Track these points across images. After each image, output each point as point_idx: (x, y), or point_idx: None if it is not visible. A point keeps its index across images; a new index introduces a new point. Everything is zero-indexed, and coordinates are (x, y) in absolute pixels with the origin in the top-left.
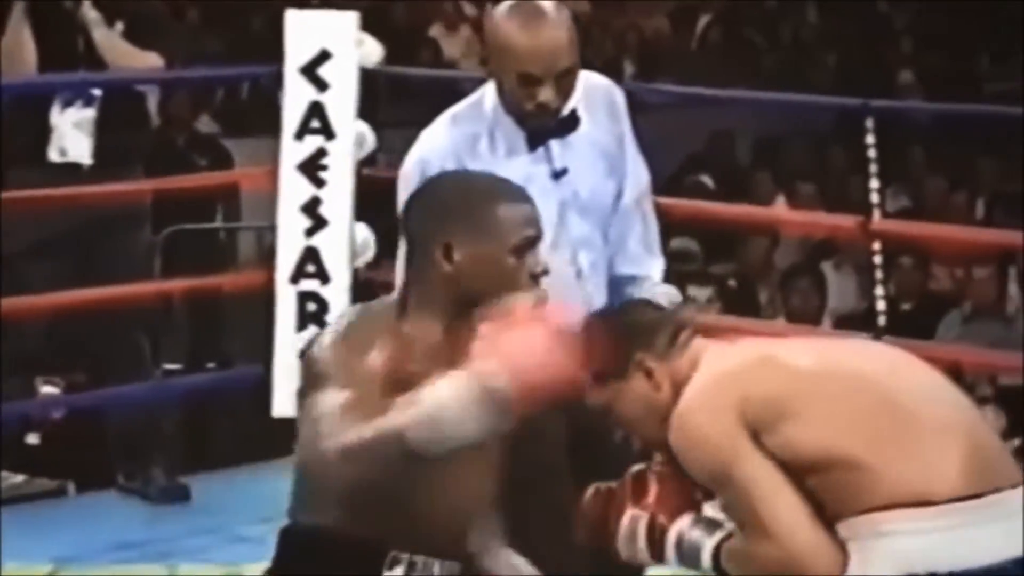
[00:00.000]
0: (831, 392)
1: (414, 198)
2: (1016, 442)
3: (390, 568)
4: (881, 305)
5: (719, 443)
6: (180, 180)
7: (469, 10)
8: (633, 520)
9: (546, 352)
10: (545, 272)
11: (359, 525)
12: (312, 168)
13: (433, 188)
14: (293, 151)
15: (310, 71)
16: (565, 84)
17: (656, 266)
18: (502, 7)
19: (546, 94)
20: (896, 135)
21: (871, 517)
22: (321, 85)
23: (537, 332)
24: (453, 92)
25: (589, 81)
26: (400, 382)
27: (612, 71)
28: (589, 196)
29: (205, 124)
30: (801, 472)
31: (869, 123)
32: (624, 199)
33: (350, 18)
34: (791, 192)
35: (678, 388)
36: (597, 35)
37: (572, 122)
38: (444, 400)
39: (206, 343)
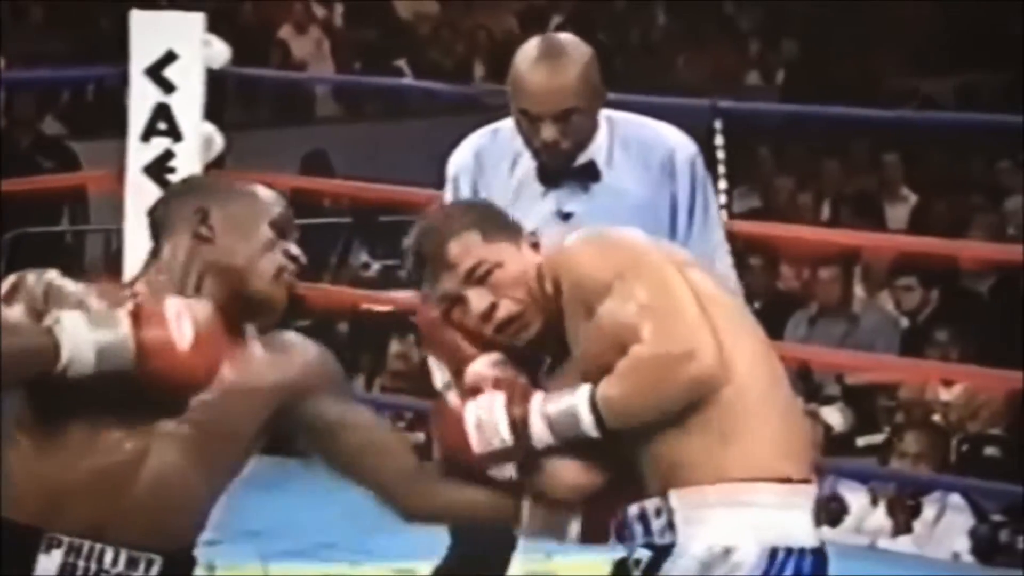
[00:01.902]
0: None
1: (168, 190)
2: (861, 441)
3: (46, 551)
4: None
5: (623, 246)
6: (25, 182)
7: (319, 11)
8: (486, 409)
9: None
10: (299, 261)
11: (20, 510)
12: (159, 170)
13: (188, 179)
14: (140, 153)
15: (156, 72)
16: (571, 125)
17: None
18: (527, 43)
19: (548, 132)
20: (744, 136)
21: (735, 486)
22: (167, 87)
23: None
24: (302, 94)
25: (653, 135)
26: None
27: (462, 73)
28: None
29: (50, 126)
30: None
31: (717, 124)
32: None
33: (196, 19)
34: None
35: None
36: (447, 36)
37: (590, 171)
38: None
39: None
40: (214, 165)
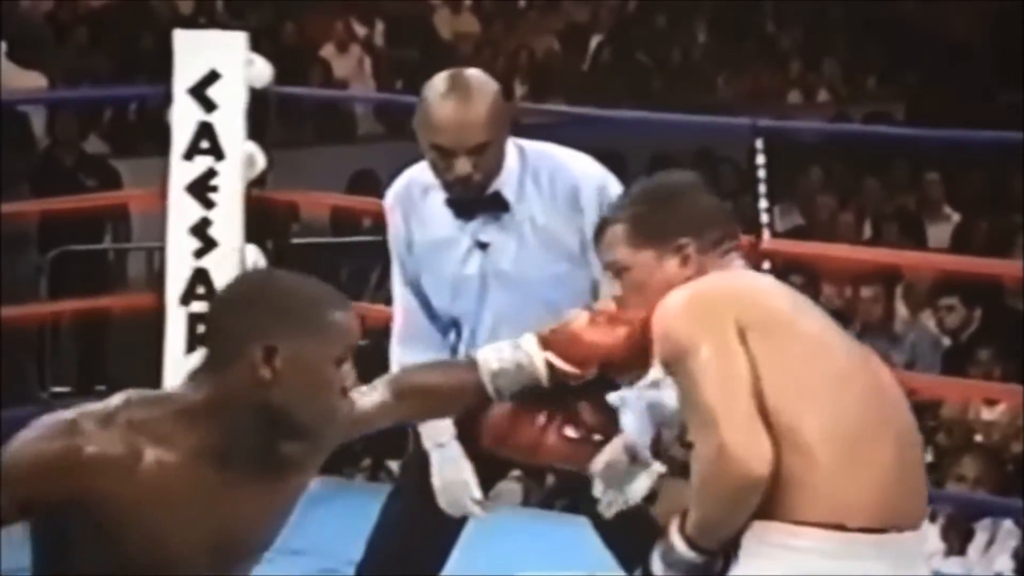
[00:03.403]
0: (809, 348)
1: (227, 293)
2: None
3: None
4: None
5: (699, 316)
6: (68, 201)
7: (360, 30)
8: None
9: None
10: (353, 386)
11: None
12: (201, 189)
13: (252, 284)
14: (182, 172)
15: (199, 91)
16: (482, 158)
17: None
18: (434, 78)
19: (462, 167)
20: (786, 155)
21: (785, 527)
22: (210, 106)
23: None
24: (344, 113)
25: (560, 168)
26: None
27: (503, 91)
28: (515, 271)
29: (93, 144)
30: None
31: (759, 143)
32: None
33: (239, 38)
34: None
35: None
36: (488, 55)
37: (498, 202)
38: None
39: (94, 366)
40: (256, 184)
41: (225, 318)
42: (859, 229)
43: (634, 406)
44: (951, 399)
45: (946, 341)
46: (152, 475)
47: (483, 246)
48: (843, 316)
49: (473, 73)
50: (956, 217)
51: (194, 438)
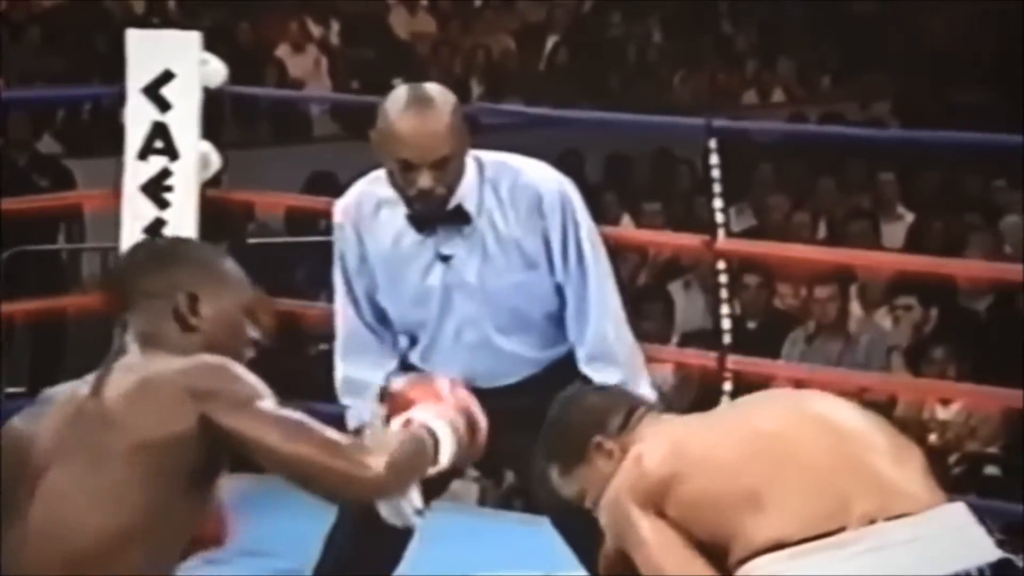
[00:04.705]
0: (716, 472)
1: (137, 254)
2: None
3: None
4: (727, 323)
5: (622, 520)
6: (21, 201)
7: (316, 30)
8: None
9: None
10: (258, 342)
11: None
12: (156, 189)
13: (159, 246)
14: (136, 172)
15: (153, 91)
16: (446, 172)
17: (617, 351)
18: (392, 93)
19: (425, 180)
20: (741, 155)
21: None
22: (164, 105)
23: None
24: (300, 113)
25: (520, 177)
26: None
27: (460, 92)
28: (478, 282)
29: (47, 144)
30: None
31: (713, 143)
32: (568, 291)
33: (193, 38)
34: (637, 212)
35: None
36: (444, 55)
37: (459, 216)
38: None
39: (49, 366)
40: (211, 184)
41: (144, 281)
42: (814, 229)
43: None
44: (906, 399)
45: (901, 341)
46: None
47: (445, 259)
48: (797, 317)
49: (433, 86)
50: (910, 217)
51: None
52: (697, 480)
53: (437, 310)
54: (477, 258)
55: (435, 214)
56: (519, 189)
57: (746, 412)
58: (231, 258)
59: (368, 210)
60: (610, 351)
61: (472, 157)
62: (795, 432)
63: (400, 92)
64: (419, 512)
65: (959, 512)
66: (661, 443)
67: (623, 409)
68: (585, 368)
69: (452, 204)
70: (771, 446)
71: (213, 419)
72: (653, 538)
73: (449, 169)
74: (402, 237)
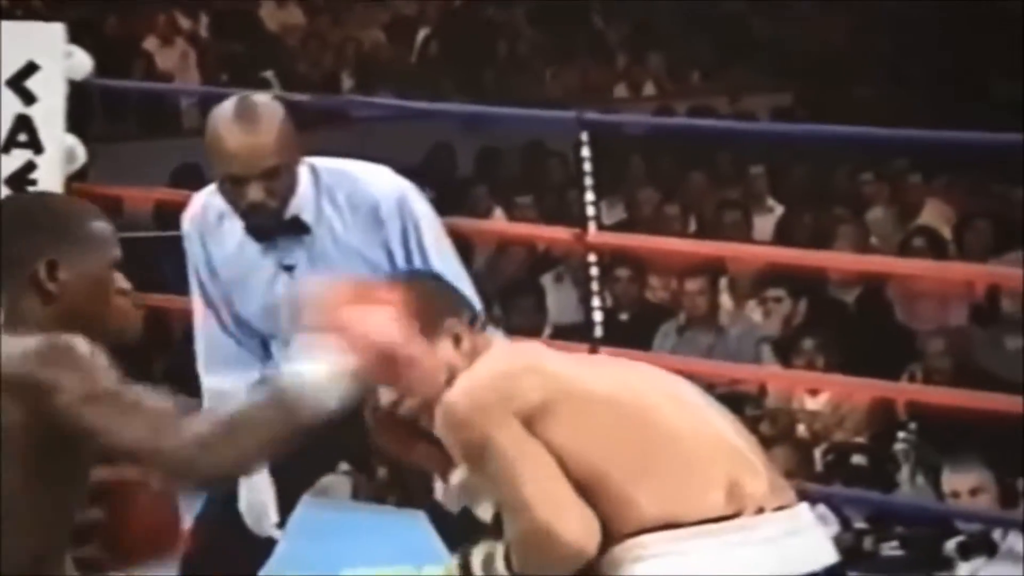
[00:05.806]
0: (590, 408)
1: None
2: None
3: None
4: (598, 316)
5: (480, 419)
6: None
7: (184, 23)
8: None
9: (381, 324)
10: (128, 290)
11: None
12: (20, 182)
13: (22, 208)
14: (0, 165)
15: (17, 83)
16: (275, 183)
17: None
18: (220, 106)
19: (254, 193)
20: (612, 148)
21: (624, 544)
22: (29, 98)
23: (365, 310)
24: (168, 106)
25: (357, 185)
26: None
27: (330, 84)
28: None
29: None
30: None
31: (584, 136)
32: None
33: (58, 29)
34: (509, 205)
35: (468, 366)
36: (314, 48)
37: (297, 226)
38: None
39: None
40: (76, 177)
41: (4, 249)
42: (685, 222)
43: None
44: (775, 390)
45: (771, 332)
46: None
47: (289, 269)
48: (668, 309)
49: (259, 98)
50: (780, 210)
51: None
52: (577, 423)
53: (285, 320)
54: (320, 267)
55: (271, 225)
56: (356, 197)
57: (619, 375)
58: (97, 212)
59: (212, 220)
60: None
61: (307, 166)
62: (673, 410)
63: (226, 105)
64: (276, 525)
65: (808, 509)
66: (530, 362)
67: (468, 309)
68: None
69: (288, 214)
70: (653, 419)
71: (53, 410)
72: (520, 449)
73: (279, 181)
74: (244, 248)
